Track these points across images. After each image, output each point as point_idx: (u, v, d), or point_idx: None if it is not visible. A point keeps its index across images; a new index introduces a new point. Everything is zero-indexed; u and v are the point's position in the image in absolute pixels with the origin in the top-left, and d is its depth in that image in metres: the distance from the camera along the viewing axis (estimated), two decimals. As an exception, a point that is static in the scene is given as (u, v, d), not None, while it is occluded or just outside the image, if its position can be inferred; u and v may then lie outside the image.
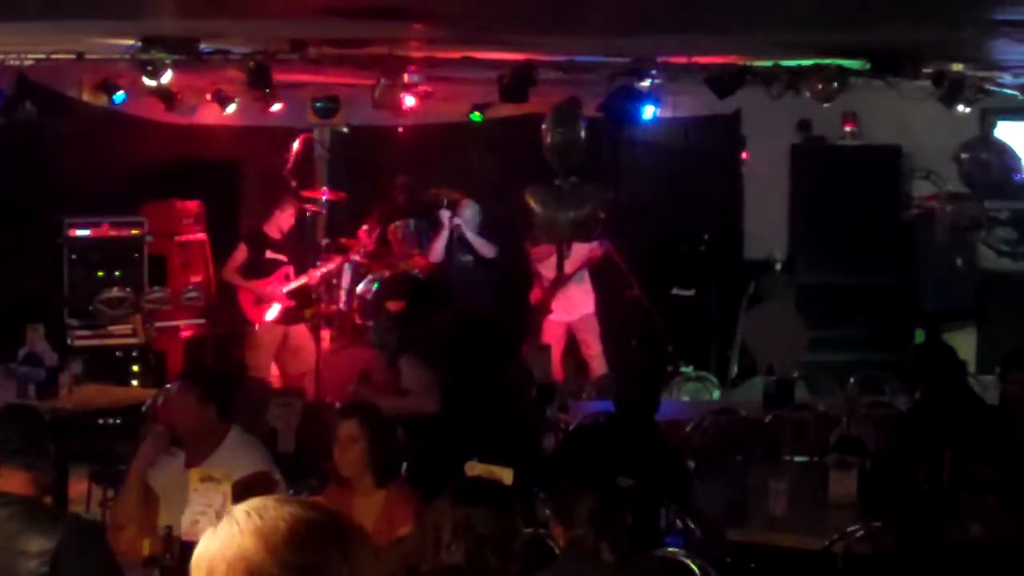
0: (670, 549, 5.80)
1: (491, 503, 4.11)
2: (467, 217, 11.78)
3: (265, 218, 11.31)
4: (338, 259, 11.77)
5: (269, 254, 11.17)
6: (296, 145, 12.55)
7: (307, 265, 11.33)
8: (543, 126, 9.34)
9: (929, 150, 11.73)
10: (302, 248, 11.47)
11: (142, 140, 11.65)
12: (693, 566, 5.44)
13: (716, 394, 10.76)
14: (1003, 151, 10.16)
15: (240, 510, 2.10)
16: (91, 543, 4.35)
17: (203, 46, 8.65)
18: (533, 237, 10.84)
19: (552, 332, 11.33)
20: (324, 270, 11.49)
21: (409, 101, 10.37)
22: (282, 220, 11.20)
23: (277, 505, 2.11)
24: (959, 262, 11.89)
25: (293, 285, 11.20)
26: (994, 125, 11.64)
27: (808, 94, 9.61)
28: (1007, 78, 9.91)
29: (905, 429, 7.23)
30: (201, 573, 2.09)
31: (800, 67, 9.48)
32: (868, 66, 9.11)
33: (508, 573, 4.04)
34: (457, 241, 11.56)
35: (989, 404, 7.42)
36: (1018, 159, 10.18)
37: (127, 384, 10.49)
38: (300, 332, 11.32)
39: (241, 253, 11.18)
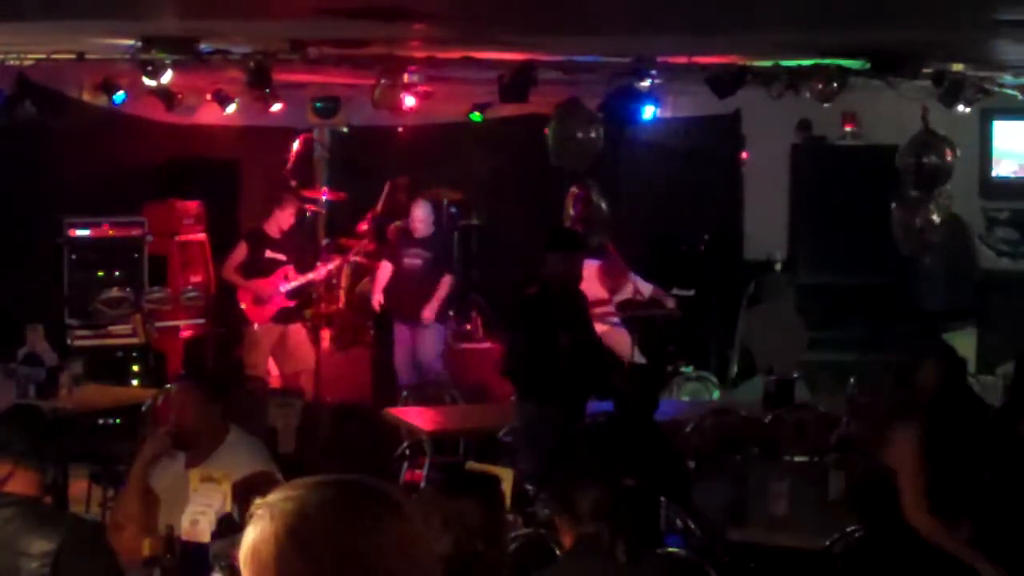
0: (670, 549, 5.80)
1: (478, 495, 4.13)
2: (420, 216, 11.38)
3: (265, 217, 11.31)
4: (338, 259, 11.77)
5: (268, 253, 11.15)
6: (296, 145, 12.55)
7: (307, 265, 11.32)
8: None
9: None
10: (302, 248, 11.46)
11: (142, 140, 11.65)
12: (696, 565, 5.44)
13: (716, 394, 10.75)
14: (948, 143, 10.14)
15: (291, 493, 2.16)
16: (92, 544, 4.35)
17: (203, 46, 8.65)
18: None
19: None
20: (327, 268, 11.51)
21: (409, 101, 10.37)
22: (282, 219, 11.18)
23: (320, 483, 2.16)
24: (927, 260, 11.84)
25: (292, 285, 11.19)
26: (989, 121, 11.66)
27: (808, 94, 9.61)
28: (1007, 78, 9.91)
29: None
30: (262, 561, 2.13)
31: (800, 67, 9.48)
32: (868, 66, 9.11)
33: (496, 560, 4.05)
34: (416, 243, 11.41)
35: (990, 404, 7.42)
36: (954, 153, 10.15)
37: (127, 384, 10.49)
38: (297, 331, 11.31)
39: (240, 252, 11.17)
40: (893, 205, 10.36)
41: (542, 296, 8.07)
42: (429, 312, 11.11)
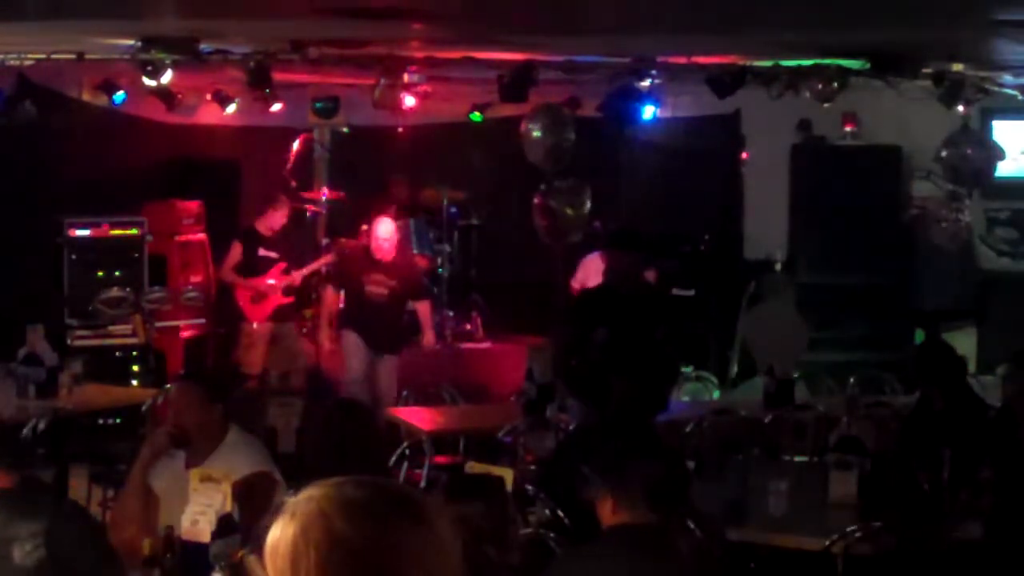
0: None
1: (484, 497, 4.12)
2: (383, 235, 10.37)
3: (258, 216, 11.30)
4: (327, 257, 11.75)
5: (261, 251, 11.17)
6: (296, 145, 12.55)
7: (300, 263, 11.33)
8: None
9: (929, 150, 11.71)
10: (295, 246, 11.46)
11: (142, 140, 11.65)
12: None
13: (716, 394, 10.75)
14: (984, 143, 10.15)
15: (315, 493, 2.14)
16: (79, 519, 4.40)
17: (203, 46, 8.65)
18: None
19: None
20: (308, 271, 11.48)
21: (409, 101, 10.38)
22: (274, 219, 11.19)
23: (347, 484, 2.15)
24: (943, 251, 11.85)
25: (285, 282, 11.19)
26: (989, 121, 11.67)
27: (808, 94, 9.61)
28: (1007, 78, 9.91)
29: (907, 431, 7.24)
30: (279, 559, 2.11)
31: (800, 67, 9.48)
32: (868, 66, 9.11)
33: (507, 563, 4.04)
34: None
35: (990, 404, 7.42)
36: (999, 151, 10.16)
37: (127, 384, 10.48)
38: (289, 330, 11.31)
39: (236, 251, 11.18)
40: (927, 198, 10.39)
41: (591, 293, 8.11)
42: (430, 339, 10.72)
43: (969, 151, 9.93)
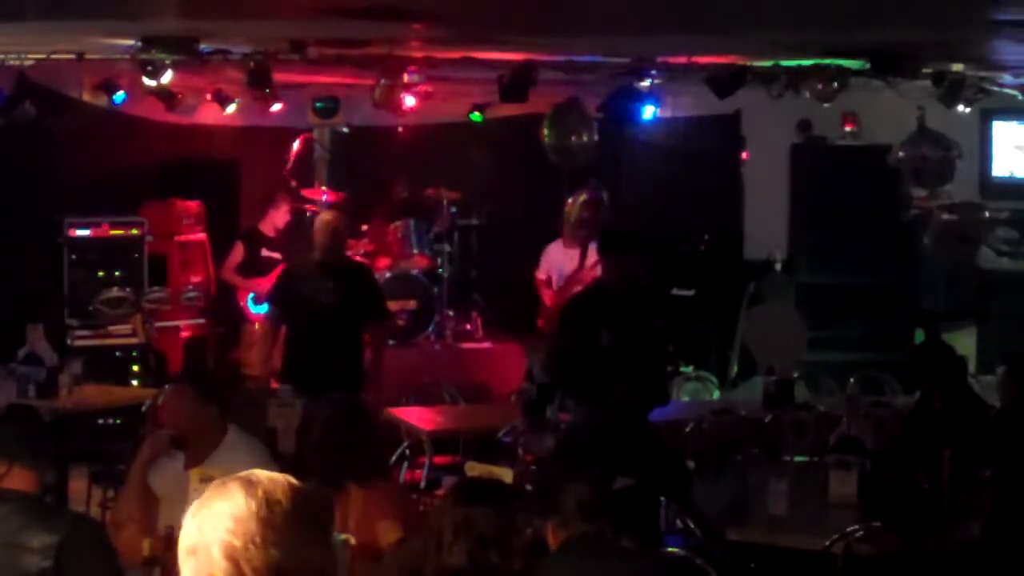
0: (670, 549, 5.80)
1: (492, 502, 4.10)
2: (324, 228, 8.64)
3: (261, 217, 11.31)
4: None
5: (264, 252, 11.18)
6: (296, 145, 12.54)
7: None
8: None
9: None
10: (298, 246, 11.45)
11: (142, 140, 11.65)
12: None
13: (716, 394, 10.75)
14: (940, 142, 10.17)
15: (233, 484, 2.32)
16: (94, 539, 4.37)
17: (203, 46, 8.66)
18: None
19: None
20: None
21: (409, 101, 10.38)
22: (277, 218, 11.22)
23: (267, 481, 2.31)
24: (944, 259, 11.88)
25: None
26: (989, 121, 11.67)
27: (808, 94, 9.61)
28: (1007, 78, 9.92)
29: (908, 431, 7.25)
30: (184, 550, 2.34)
31: (800, 67, 9.49)
32: (868, 66, 9.12)
33: (511, 571, 4.02)
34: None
35: (990, 404, 7.43)
36: (958, 148, 10.17)
37: (127, 384, 10.48)
38: None
39: (238, 252, 11.20)
40: (938, 207, 10.43)
41: (589, 295, 8.14)
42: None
43: (926, 151, 9.95)
